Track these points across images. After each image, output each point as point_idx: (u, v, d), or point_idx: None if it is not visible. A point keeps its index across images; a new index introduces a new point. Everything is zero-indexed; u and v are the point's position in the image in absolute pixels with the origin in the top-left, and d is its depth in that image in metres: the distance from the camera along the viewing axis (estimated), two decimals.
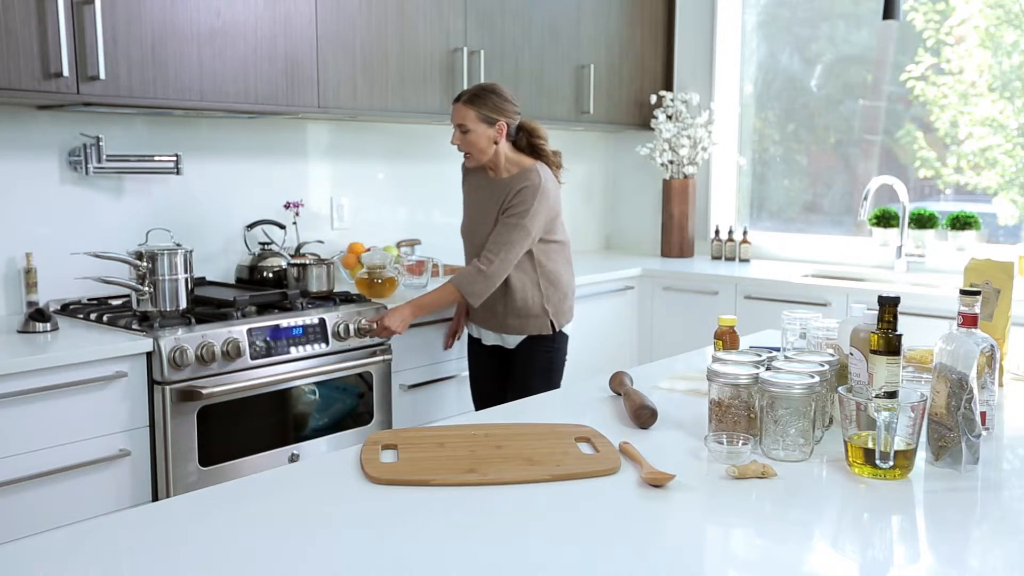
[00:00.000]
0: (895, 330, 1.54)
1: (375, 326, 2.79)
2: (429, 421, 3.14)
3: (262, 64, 2.89)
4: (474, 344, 3.05)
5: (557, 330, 2.89)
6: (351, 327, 2.83)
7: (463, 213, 2.99)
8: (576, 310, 3.07)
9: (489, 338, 2.96)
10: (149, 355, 2.43)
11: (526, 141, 2.86)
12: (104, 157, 2.85)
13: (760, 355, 1.67)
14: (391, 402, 3.01)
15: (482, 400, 3.06)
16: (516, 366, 2.92)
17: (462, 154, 2.86)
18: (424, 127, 3.87)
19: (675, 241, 4.45)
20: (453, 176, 4.04)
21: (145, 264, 2.59)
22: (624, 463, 1.48)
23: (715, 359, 1.64)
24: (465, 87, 3.50)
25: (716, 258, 4.38)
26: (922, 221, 3.94)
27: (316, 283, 2.97)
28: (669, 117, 4.46)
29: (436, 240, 3.96)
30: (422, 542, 1.18)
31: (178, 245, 2.72)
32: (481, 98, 2.76)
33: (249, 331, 2.61)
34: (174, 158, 3.01)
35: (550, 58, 3.90)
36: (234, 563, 1.11)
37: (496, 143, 2.79)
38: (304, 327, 2.74)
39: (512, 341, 2.91)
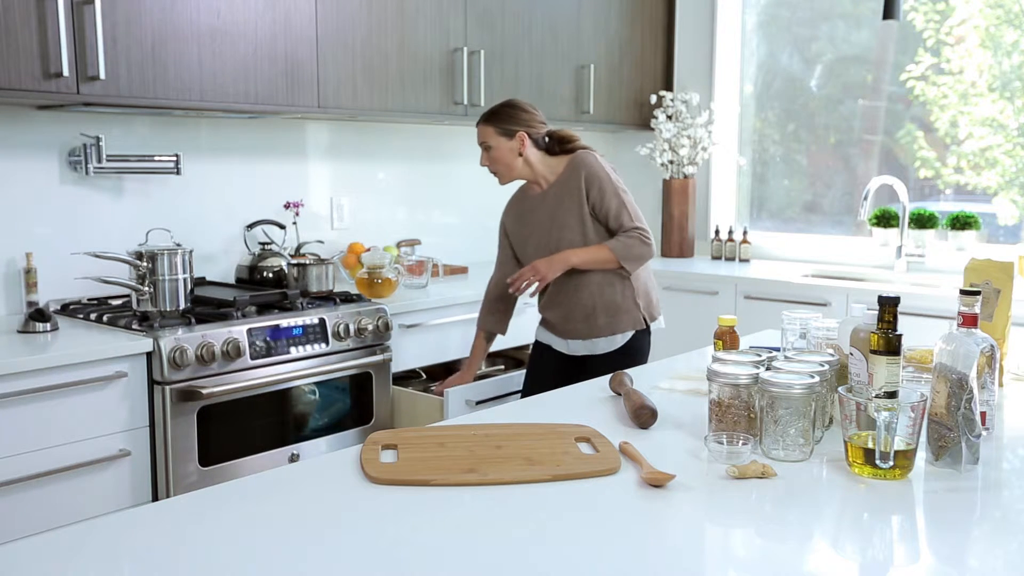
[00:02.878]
0: (895, 330, 1.54)
1: (531, 279, 2.68)
2: (429, 421, 3.14)
3: (262, 64, 2.89)
4: (547, 351, 2.85)
5: (648, 324, 2.79)
6: (351, 327, 2.83)
7: (519, 248, 2.83)
8: None
9: (578, 348, 2.78)
10: (149, 355, 2.43)
11: (559, 148, 2.79)
12: (104, 157, 2.85)
13: (760, 355, 1.67)
14: (391, 402, 3.01)
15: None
16: (605, 371, 2.65)
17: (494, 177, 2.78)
18: (424, 127, 3.87)
19: (675, 241, 4.45)
20: (453, 176, 4.04)
21: (145, 264, 2.59)
22: (624, 463, 1.48)
23: (715, 359, 1.64)
24: (465, 87, 3.51)
25: (716, 258, 4.39)
26: (922, 221, 3.94)
27: (316, 283, 2.97)
28: (669, 117, 4.46)
29: (436, 240, 3.96)
30: (422, 542, 1.18)
31: (178, 245, 2.72)
32: (498, 114, 2.73)
33: (249, 331, 2.61)
34: (174, 158, 3.01)
35: (550, 58, 3.90)
36: (234, 563, 1.11)
37: (521, 154, 2.72)
38: (304, 327, 2.74)
39: (604, 345, 2.74)
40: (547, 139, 2.78)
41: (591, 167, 2.70)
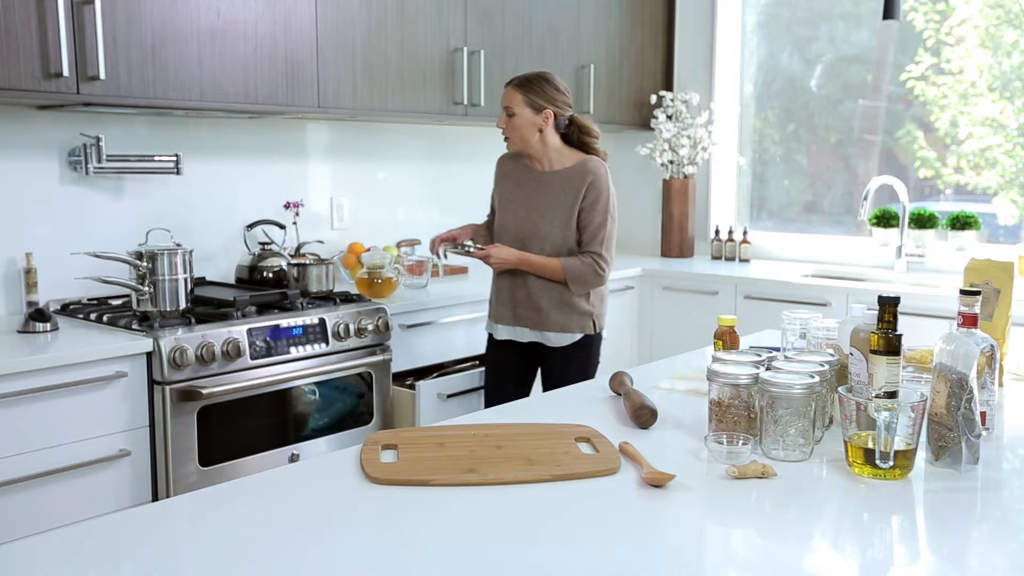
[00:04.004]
0: (895, 330, 1.54)
1: (483, 250, 2.74)
2: (429, 421, 3.14)
3: (262, 64, 2.89)
4: (502, 346, 2.88)
5: (597, 331, 2.83)
6: (351, 327, 2.83)
7: (500, 206, 2.86)
8: None
9: (525, 335, 2.82)
10: (149, 355, 2.43)
11: (577, 137, 2.79)
12: (104, 157, 2.85)
13: (760, 355, 1.67)
14: (391, 402, 3.01)
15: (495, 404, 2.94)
16: (555, 367, 2.82)
17: (504, 140, 2.79)
18: (424, 127, 3.87)
19: (675, 241, 4.45)
20: (453, 176, 4.04)
21: (145, 264, 2.59)
22: (624, 463, 1.48)
23: (715, 359, 1.64)
24: (465, 87, 3.50)
25: (716, 258, 4.38)
26: (922, 221, 3.94)
27: (316, 283, 2.97)
28: (669, 117, 4.46)
29: None
30: (422, 542, 1.18)
31: (178, 245, 2.72)
32: (532, 83, 2.71)
33: (249, 331, 2.61)
34: (174, 158, 3.01)
35: (550, 58, 3.90)
36: (234, 563, 1.11)
37: (541, 131, 2.72)
38: (304, 327, 2.74)
39: (554, 339, 2.78)
40: (568, 124, 2.77)
41: (599, 177, 2.72)
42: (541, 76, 2.73)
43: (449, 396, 3.08)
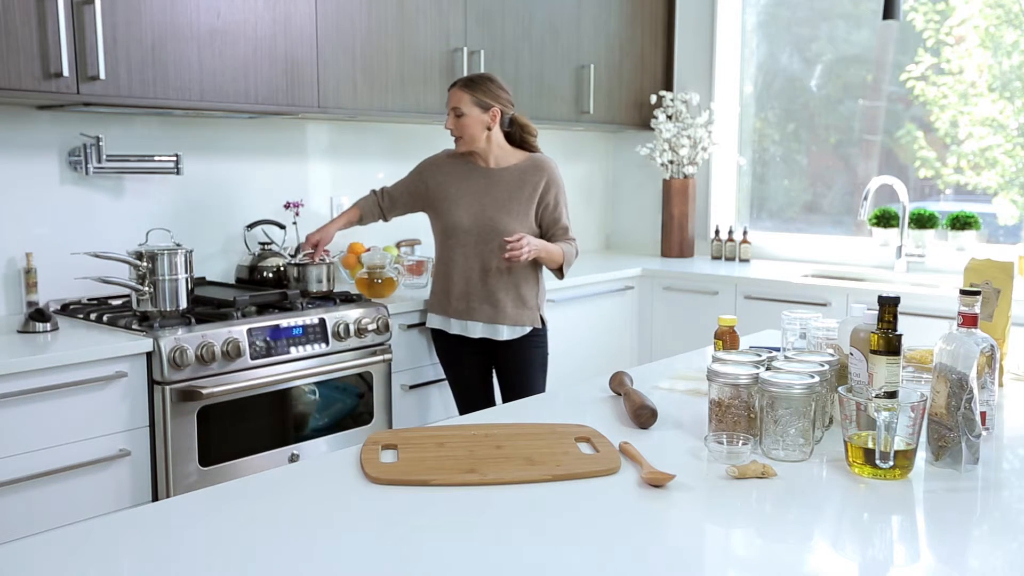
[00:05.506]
0: (895, 330, 1.54)
1: (521, 237, 2.75)
2: (429, 421, 3.14)
3: (262, 64, 2.89)
4: (454, 342, 2.97)
5: (543, 324, 2.95)
6: (351, 327, 2.83)
7: (445, 202, 2.90)
8: (576, 310, 3.08)
9: (477, 330, 2.90)
10: (149, 355, 2.43)
11: (519, 136, 2.95)
12: (104, 157, 2.85)
13: (760, 355, 1.67)
14: (391, 402, 3.01)
15: (468, 403, 3.00)
16: (510, 361, 2.93)
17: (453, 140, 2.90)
18: (424, 127, 3.87)
19: (675, 241, 4.45)
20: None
21: (145, 264, 2.59)
22: (624, 463, 1.48)
23: (715, 359, 1.64)
24: None
25: (716, 258, 4.38)
26: (922, 221, 3.94)
27: (316, 283, 2.97)
28: (669, 117, 4.46)
29: None
30: (422, 542, 1.18)
31: (178, 245, 2.72)
32: (476, 83, 2.82)
33: (249, 331, 2.61)
34: (174, 158, 3.01)
35: (550, 58, 3.90)
36: (234, 563, 1.11)
37: (489, 128, 2.84)
38: (304, 327, 2.74)
39: (507, 333, 2.89)
40: (511, 123, 2.92)
41: (554, 174, 2.90)
42: (485, 76, 2.88)
43: (411, 387, 3.09)
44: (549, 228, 2.91)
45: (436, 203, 2.94)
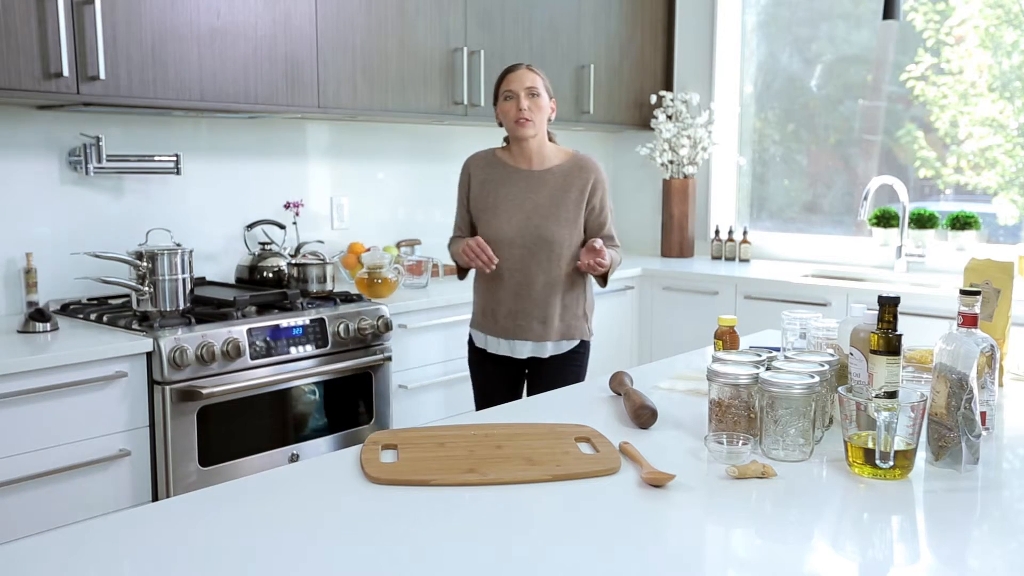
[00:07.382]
0: (895, 330, 1.54)
1: (598, 250, 2.52)
2: (429, 421, 3.14)
3: (262, 64, 2.89)
4: (492, 360, 2.69)
5: (591, 336, 2.72)
6: (351, 327, 2.83)
7: (486, 212, 2.61)
8: None
9: (525, 350, 2.63)
10: (149, 355, 2.43)
11: (549, 135, 2.70)
12: (104, 157, 2.85)
13: (760, 355, 1.67)
14: (391, 402, 3.01)
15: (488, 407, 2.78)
16: (545, 376, 2.63)
17: (513, 125, 2.56)
18: (424, 127, 3.87)
19: (675, 241, 4.46)
20: (453, 176, 4.03)
21: (145, 264, 2.59)
22: (624, 463, 1.48)
23: (715, 359, 1.64)
24: (465, 87, 3.50)
25: (716, 258, 4.38)
26: (922, 221, 3.94)
27: (316, 283, 2.97)
28: (669, 117, 4.46)
29: (436, 240, 3.95)
30: (422, 542, 1.18)
31: (178, 245, 2.72)
32: (539, 70, 2.62)
33: (249, 331, 2.61)
34: (174, 158, 3.01)
35: (550, 58, 3.90)
36: (234, 563, 1.11)
37: (549, 120, 2.61)
38: (304, 327, 2.74)
39: (551, 348, 2.62)
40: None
41: (601, 174, 2.64)
42: None
43: (411, 387, 3.08)
44: (593, 234, 2.62)
45: (477, 210, 2.64)
